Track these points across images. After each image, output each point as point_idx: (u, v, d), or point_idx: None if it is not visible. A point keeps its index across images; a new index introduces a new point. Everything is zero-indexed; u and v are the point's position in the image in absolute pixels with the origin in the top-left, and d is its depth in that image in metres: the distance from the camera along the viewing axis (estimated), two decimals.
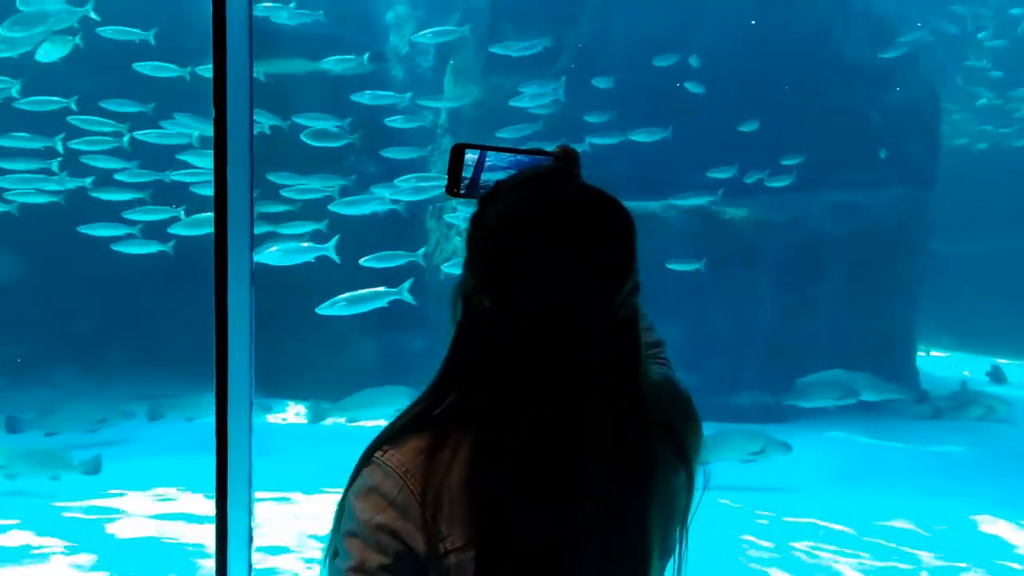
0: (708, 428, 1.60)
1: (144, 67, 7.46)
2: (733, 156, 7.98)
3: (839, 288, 8.40)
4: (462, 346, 1.34)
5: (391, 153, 7.92)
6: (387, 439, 1.29)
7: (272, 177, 7.44)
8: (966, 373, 10.01)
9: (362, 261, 7.13)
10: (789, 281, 8.27)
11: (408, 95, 8.34)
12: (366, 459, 1.28)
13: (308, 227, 7.51)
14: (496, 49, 8.28)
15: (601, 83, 8.03)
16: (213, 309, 2.13)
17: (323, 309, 6.79)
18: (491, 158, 1.62)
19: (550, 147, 1.70)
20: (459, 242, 8.43)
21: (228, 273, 2.11)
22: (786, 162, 8.09)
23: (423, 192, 7.60)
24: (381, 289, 6.89)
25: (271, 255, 6.94)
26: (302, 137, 7.60)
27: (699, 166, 7.97)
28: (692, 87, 8.20)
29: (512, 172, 1.63)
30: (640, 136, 7.94)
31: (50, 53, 7.81)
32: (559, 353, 1.28)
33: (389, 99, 8.13)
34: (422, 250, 7.59)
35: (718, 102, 8.25)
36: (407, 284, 6.95)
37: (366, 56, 8.15)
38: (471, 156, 1.61)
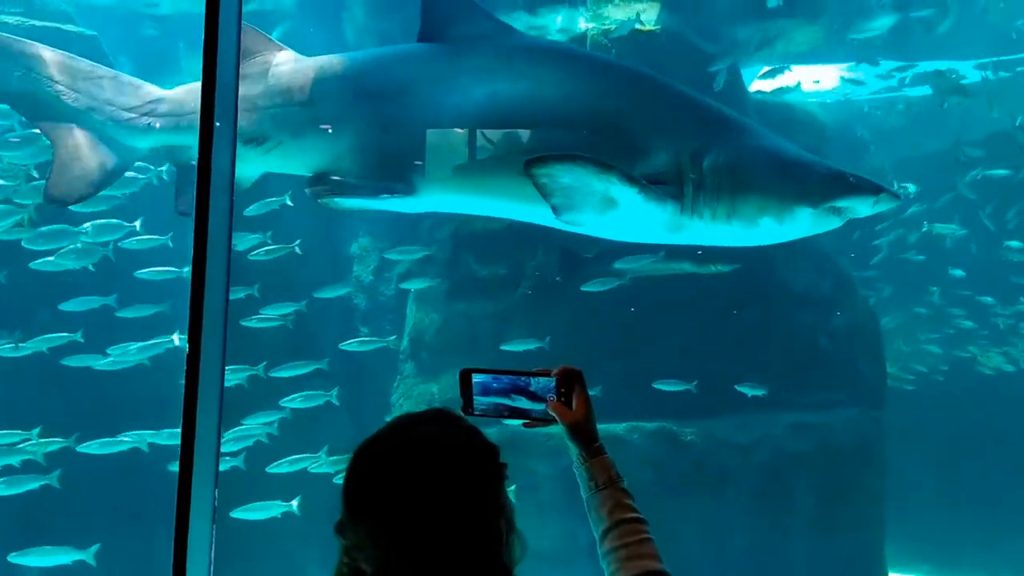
0: None
1: None
2: (692, 380, 8.15)
3: (808, 510, 8.35)
4: None
5: None
6: None
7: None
8: None
9: None
10: (757, 504, 8.22)
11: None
12: None
13: None
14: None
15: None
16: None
17: None
18: (500, 380, 1.69)
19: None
20: None
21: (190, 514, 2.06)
22: (744, 389, 8.26)
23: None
24: None
25: None
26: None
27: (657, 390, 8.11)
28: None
29: (515, 393, 1.71)
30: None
31: None
32: None
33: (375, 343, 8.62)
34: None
35: (672, 327, 8.53)
36: None
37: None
38: (479, 379, 1.69)
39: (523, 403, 1.86)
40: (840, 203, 5.34)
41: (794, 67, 11.10)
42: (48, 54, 6.21)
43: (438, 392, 8.73)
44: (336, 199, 5.81)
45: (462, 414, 1.69)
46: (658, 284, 8.53)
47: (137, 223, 7.59)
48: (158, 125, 6.20)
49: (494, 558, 1.47)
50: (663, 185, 5.21)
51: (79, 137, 6.10)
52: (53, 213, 7.49)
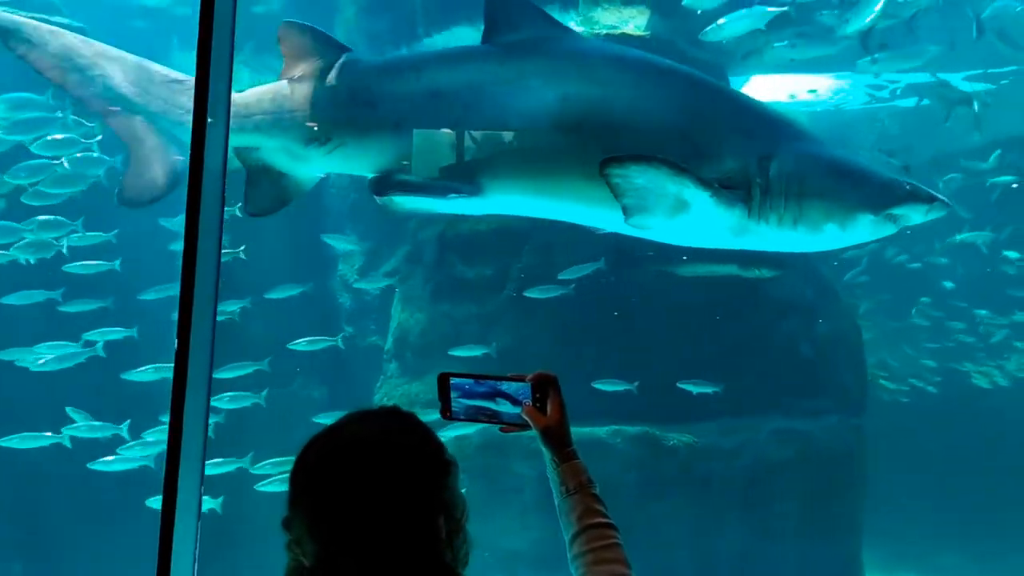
0: None
1: None
2: (679, 385, 8.17)
3: (790, 514, 8.40)
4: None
5: None
6: None
7: None
8: None
9: None
10: (741, 508, 8.25)
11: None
12: None
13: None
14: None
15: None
16: None
17: None
18: (478, 385, 1.71)
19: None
20: None
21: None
22: (688, 386, 8.25)
23: None
24: None
25: None
26: None
27: (640, 392, 8.13)
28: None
29: (492, 397, 1.73)
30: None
31: None
32: None
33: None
34: None
35: (655, 331, 8.55)
36: None
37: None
38: (457, 383, 1.70)
39: (499, 407, 1.91)
40: (897, 210, 5.38)
41: (788, 76, 11.15)
42: (126, 58, 6.26)
43: (421, 393, 8.71)
44: (398, 200, 5.79)
45: (427, 414, 1.70)
46: (642, 290, 8.56)
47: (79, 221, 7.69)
48: None
49: (433, 556, 1.47)
50: (733, 189, 5.27)
51: (152, 140, 6.17)
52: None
